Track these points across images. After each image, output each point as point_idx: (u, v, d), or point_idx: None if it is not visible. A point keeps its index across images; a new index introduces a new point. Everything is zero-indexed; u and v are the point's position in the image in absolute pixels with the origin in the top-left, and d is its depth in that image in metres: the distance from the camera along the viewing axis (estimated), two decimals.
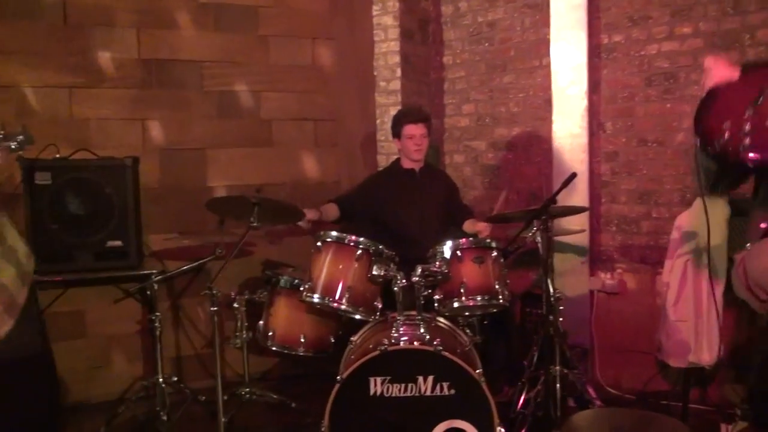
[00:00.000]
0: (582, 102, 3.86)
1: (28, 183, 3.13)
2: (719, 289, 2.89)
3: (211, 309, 2.66)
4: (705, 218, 2.13)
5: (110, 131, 3.75)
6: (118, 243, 3.26)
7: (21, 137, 2.66)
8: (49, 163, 3.20)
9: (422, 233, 3.40)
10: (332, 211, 3.51)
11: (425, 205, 3.54)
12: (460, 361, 2.48)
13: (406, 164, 3.57)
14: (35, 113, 3.57)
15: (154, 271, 3.27)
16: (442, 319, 2.95)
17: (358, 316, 2.84)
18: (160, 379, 3.20)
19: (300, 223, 3.26)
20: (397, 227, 3.43)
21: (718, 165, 1.93)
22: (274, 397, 3.43)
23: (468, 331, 2.97)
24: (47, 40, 3.59)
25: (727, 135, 1.75)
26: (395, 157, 3.76)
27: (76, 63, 3.67)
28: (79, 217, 3.21)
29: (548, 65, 4.01)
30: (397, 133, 3.51)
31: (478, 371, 2.50)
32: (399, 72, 4.38)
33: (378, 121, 4.46)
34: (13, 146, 2.61)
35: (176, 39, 3.89)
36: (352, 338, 2.87)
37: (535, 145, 4.21)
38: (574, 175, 2.74)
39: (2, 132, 2.74)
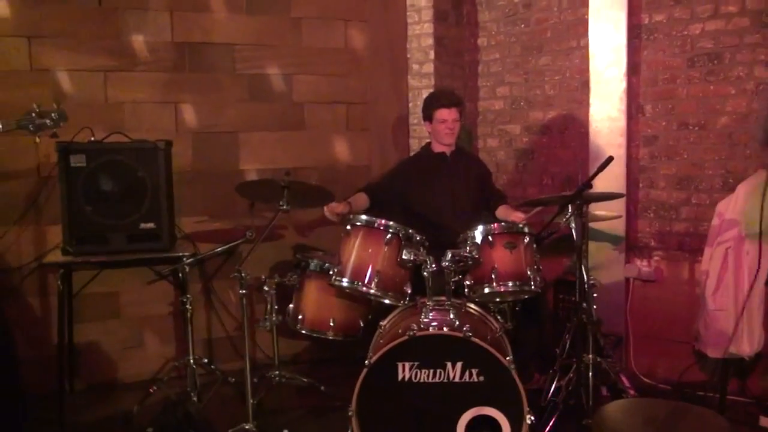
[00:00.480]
0: (621, 84, 3.75)
1: (64, 166, 3.17)
2: (762, 277, 2.79)
3: (241, 292, 2.66)
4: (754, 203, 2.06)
5: (144, 114, 3.77)
6: (151, 225, 3.28)
7: (55, 114, 2.69)
8: (83, 146, 3.23)
9: (453, 218, 3.35)
10: (362, 200, 3.46)
11: (456, 189, 3.49)
12: (489, 348, 2.45)
13: (437, 148, 3.52)
14: (70, 96, 3.61)
15: (186, 254, 3.29)
16: (472, 305, 2.92)
17: (387, 301, 2.83)
18: (191, 361, 3.23)
19: (329, 216, 3.22)
20: (428, 212, 3.39)
21: None
22: (304, 380, 3.45)
23: (499, 317, 2.94)
24: (82, 24, 3.62)
25: None
26: (427, 140, 3.71)
27: (110, 46, 3.69)
28: (113, 199, 3.24)
29: (586, 46, 3.90)
30: (428, 116, 3.46)
31: (508, 358, 2.46)
32: (432, 54, 4.31)
33: (410, 105, 4.41)
34: (48, 123, 2.65)
35: (209, 22, 3.89)
36: (381, 323, 2.85)
37: (571, 129, 4.11)
38: (610, 159, 2.66)
39: (37, 110, 2.79)
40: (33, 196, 3.52)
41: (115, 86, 3.72)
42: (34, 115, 2.79)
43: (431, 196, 3.43)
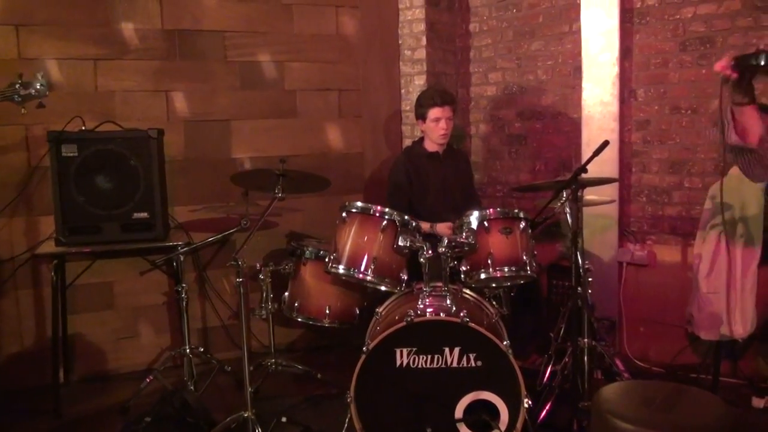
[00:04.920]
0: (613, 69, 3.75)
1: (55, 155, 3.14)
2: (755, 260, 2.81)
3: (237, 280, 2.65)
4: (741, 187, 2.09)
5: (134, 103, 3.74)
6: (144, 215, 3.27)
7: (39, 84, 2.67)
8: (75, 135, 3.20)
9: (448, 214, 3.36)
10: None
11: (451, 187, 3.52)
12: (487, 333, 2.46)
13: (431, 147, 3.50)
14: (60, 85, 3.57)
15: (180, 243, 3.28)
16: (468, 291, 2.93)
17: (383, 288, 2.83)
18: (187, 350, 3.23)
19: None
20: (425, 210, 3.38)
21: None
22: (300, 368, 3.46)
23: (495, 303, 2.95)
24: (70, 12, 3.57)
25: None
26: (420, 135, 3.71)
27: (99, 34, 3.65)
28: (106, 189, 3.22)
29: (578, 31, 3.89)
30: (421, 115, 3.42)
31: (505, 343, 2.47)
32: (424, 40, 4.29)
33: (403, 91, 4.39)
34: (33, 93, 2.63)
35: (199, 9, 3.85)
36: (377, 309, 2.86)
37: (564, 114, 4.11)
38: (606, 143, 2.67)
39: (21, 81, 2.76)
40: (24, 186, 3.48)
41: (105, 75, 3.68)
42: (18, 86, 2.75)
43: (429, 195, 3.42)
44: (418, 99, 3.47)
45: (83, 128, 3.32)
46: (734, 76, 2.01)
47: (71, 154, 3.17)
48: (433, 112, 3.36)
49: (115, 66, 3.70)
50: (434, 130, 3.39)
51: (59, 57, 3.58)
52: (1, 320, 3.49)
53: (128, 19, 3.71)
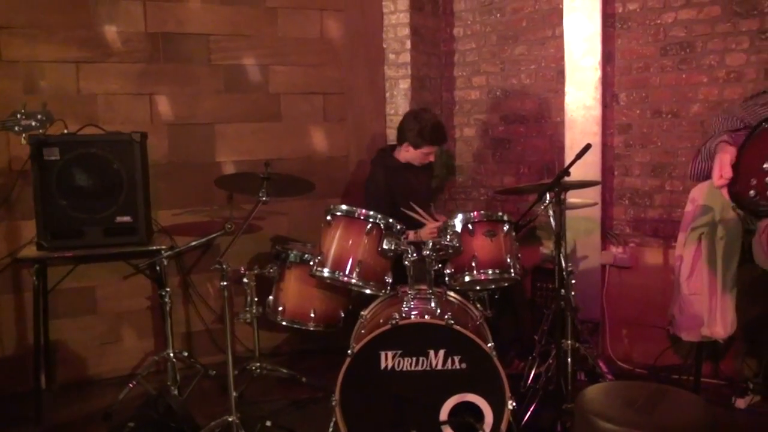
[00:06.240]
0: (595, 73, 3.79)
1: (37, 159, 3.11)
2: (734, 262, 2.85)
3: (222, 284, 2.64)
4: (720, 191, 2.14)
5: (118, 106, 3.71)
6: (127, 219, 3.24)
7: (41, 116, 2.67)
8: (57, 138, 3.16)
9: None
10: None
11: (424, 190, 3.60)
12: (471, 335, 2.47)
13: (404, 159, 3.53)
14: (42, 89, 3.54)
15: (163, 247, 3.26)
16: (452, 294, 2.94)
17: (368, 291, 2.83)
18: (171, 354, 3.21)
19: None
20: (406, 215, 3.39)
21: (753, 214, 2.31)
22: (285, 371, 3.44)
23: (479, 305, 2.96)
24: (52, 14, 3.54)
25: (753, 192, 2.05)
26: None
27: (81, 37, 3.62)
28: (88, 192, 3.19)
29: (561, 36, 3.93)
30: (415, 144, 3.41)
31: (489, 345, 2.49)
32: (409, 44, 4.31)
33: (387, 94, 4.40)
34: (34, 124, 2.62)
35: (183, 11, 3.83)
36: (362, 312, 2.86)
37: (547, 118, 4.15)
38: (588, 147, 2.69)
39: (23, 111, 2.75)
40: (5, 191, 3.44)
41: (87, 78, 3.65)
42: (19, 116, 2.76)
43: (408, 201, 3.42)
44: (419, 130, 3.38)
45: (65, 132, 3.28)
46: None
47: (53, 158, 3.14)
48: (429, 149, 3.43)
49: (98, 69, 3.67)
50: (420, 159, 3.48)
51: (41, 60, 3.54)
52: None
53: (111, 21, 3.68)
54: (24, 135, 2.82)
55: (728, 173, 2.10)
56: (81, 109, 3.59)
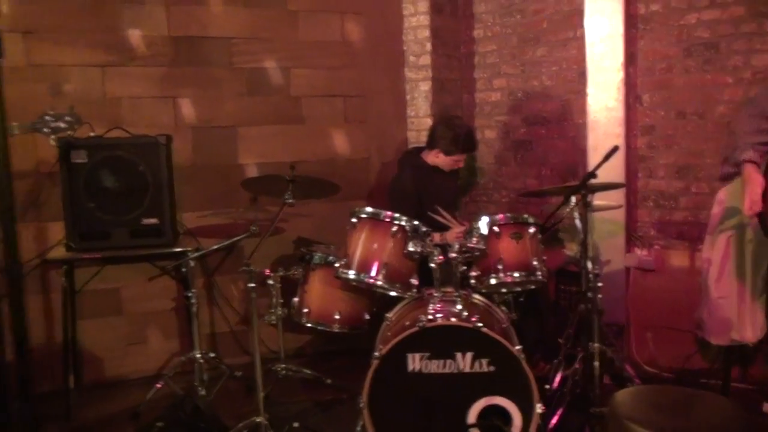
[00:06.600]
0: (618, 74, 3.77)
1: (65, 162, 3.15)
2: (764, 266, 2.83)
3: (249, 285, 2.66)
4: None
5: (142, 109, 3.75)
6: (153, 221, 3.27)
7: (69, 117, 2.70)
8: (84, 141, 3.20)
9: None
10: None
11: (450, 193, 3.60)
12: (499, 338, 2.46)
13: (432, 162, 3.52)
14: (68, 92, 3.58)
15: (189, 249, 3.28)
16: (477, 296, 2.93)
17: (393, 293, 2.83)
18: (198, 355, 3.23)
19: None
20: (430, 218, 3.39)
21: None
22: (309, 373, 3.45)
23: (503, 308, 2.95)
24: (78, 18, 3.58)
25: None
26: (423, 132, 3.72)
27: (107, 41, 3.66)
28: (115, 194, 3.22)
29: (582, 37, 3.91)
30: (447, 151, 3.41)
31: (517, 348, 2.48)
32: (429, 46, 4.31)
33: (408, 97, 4.41)
34: (62, 125, 2.66)
35: (205, 15, 3.86)
36: (387, 315, 2.86)
37: (569, 120, 4.13)
38: (616, 148, 2.67)
39: (52, 113, 2.79)
40: (34, 193, 3.49)
41: (112, 81, 3.69)
42: (48, 118, 2.80)
43: (433, 203, 3.42)
44: (453, 136, 3.38)
45: (92, 134, 3.32)
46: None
47: (81, 161, 3.17)
48: (460, 156, 3.45)
49: (123, 72, 3.71)
50: (450, 165, 3.49)
51: (67, 64, 3.59)
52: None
53: (135, 25, 3.72)
54: (53, 137, 2.86)
55: (758, 206, 2.10)
56: (106, 113, 3.63)
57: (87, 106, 3.55)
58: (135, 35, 3.73)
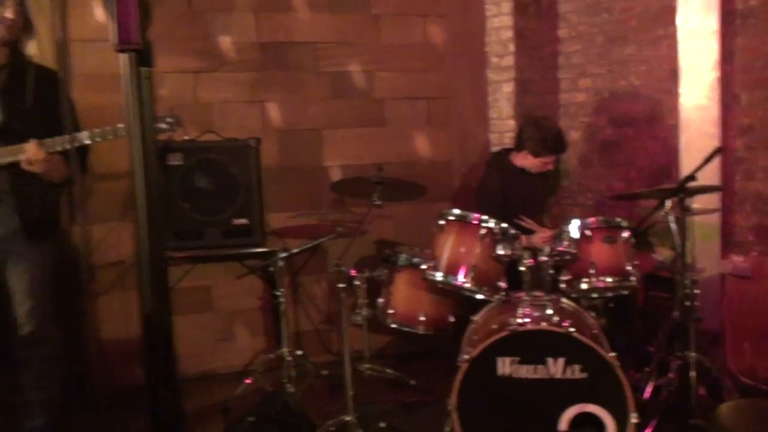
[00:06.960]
0: (713, 73, 3.61)
1: (162, 164, 3.29)
2: None
3: (339, 286, 2.71)
4: None
5: (231, 114, 3.87)
6: (244, 221, 3.38)
7: (170, 119, 2.81)
8: (179, 144, 3.35)
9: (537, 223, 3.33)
10: None
11: (538, 197, 3.56)
12: (592, 344, 2.41)
13: (520, 163, 3.48)
14: (162, 98, 3.72)
15: (277, 249, 3.36)
16: (566, 301, 2.87)
17: (480, 296, 2.81)
18: (286, 352, 3.30)
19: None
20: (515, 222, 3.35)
21: None
22: (393, 373, 3.47)
23: (593, 313, 2.88)
24: (174, 27, 3.74)
25: None
26: (506, 133, 3.67)
27: (199, 48, 3.81)
28: (208, 195, 3.35)
29: (674, 35, 3.77)
30: (535, 152, 3.36)
31: (611, 355, 2.41)
32: (512, 47, 4.25)
33: (490, 98, 4.36)
34: (164, 127, 2.77)
35: (292, 21, 3.96)
36: (473, 318, 2.84)
37: (659, 120, 3.99)
38: (719, 150, 2.58)
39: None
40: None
41: (204, 87, 3.83)
42: None
43: (519, 209, 3.38)
44: (541, 138, 3.34)
45: (186, 138, 3.45)
46: None
47: (177, 163, 3.31)
48: (549, 158, 3.38)
49: (214, 78, 3.85)
50: (538, 167, 3.41)
51: (163, 71, 3.74)
52: (111, 320, 3.65)
53: (225, 32, 3.85)
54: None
55: None
56: (198, 117, 3.77)
57: (180, 110, 3.66)
58: (225, 42, 3.86)
